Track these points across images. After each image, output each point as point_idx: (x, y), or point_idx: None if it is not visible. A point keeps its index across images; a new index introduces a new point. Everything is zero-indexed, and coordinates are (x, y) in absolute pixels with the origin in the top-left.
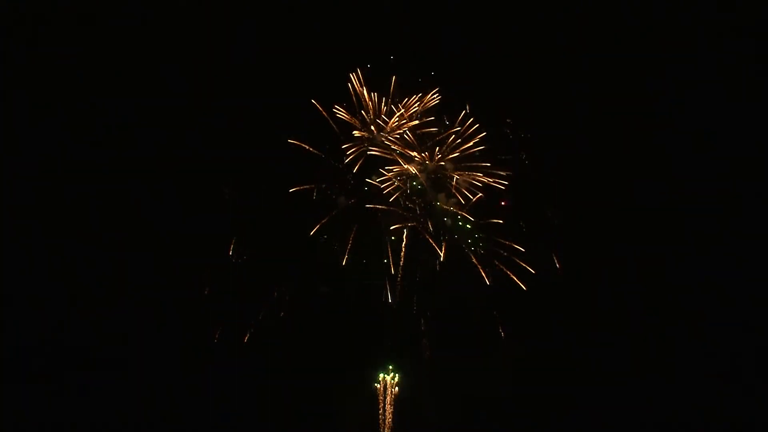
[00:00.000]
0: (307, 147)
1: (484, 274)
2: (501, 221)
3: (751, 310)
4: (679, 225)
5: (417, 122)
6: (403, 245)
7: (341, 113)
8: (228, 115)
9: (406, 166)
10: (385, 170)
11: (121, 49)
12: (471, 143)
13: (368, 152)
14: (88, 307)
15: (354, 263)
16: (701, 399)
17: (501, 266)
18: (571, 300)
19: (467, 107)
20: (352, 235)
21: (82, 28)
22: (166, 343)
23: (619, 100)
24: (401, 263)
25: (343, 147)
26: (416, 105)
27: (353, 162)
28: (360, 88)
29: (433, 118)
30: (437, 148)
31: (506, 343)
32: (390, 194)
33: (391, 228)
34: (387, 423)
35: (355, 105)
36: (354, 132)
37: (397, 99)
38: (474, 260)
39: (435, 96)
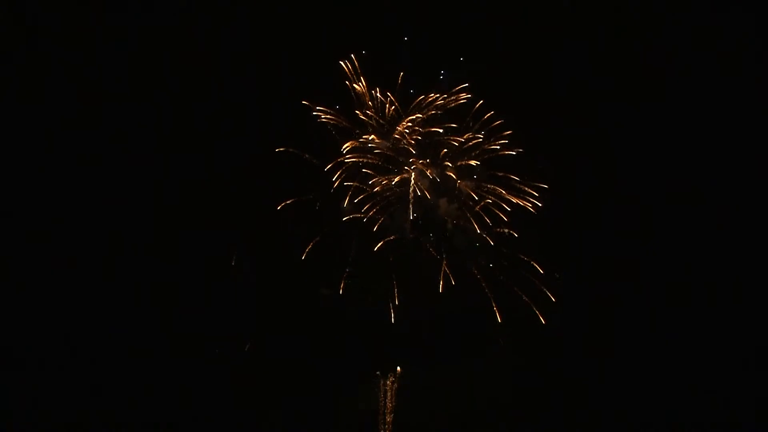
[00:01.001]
0: (307, 156)
1: (496, 310)
2: (515, 234)
3: (751, 310)
4: (679, 225)
5: (440, 129)
6: (404, 254)
7: (334, 119)
8: (228, 117)
9: (404, 175)
10: (385, 178)
11: (120, 48)
12: (498, 144)
13: (366, 160)
14: (87, 306)
15: (356, 272)
16: (701, 398)
17: (521, 294)
18: (570, 300)
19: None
20: (352, 250)
21: (81, 28)
22: (167, 344)
23: (618, 99)
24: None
25: (327, 169)
26: (431, 106)
27: (351, 173)
28: (361, 87)
29: (456, 125)
30: (442, 152)
31: (507, 345)
32: (390, 204)
33: (391, 239)
34: (387, 423)
35: (355, 105)
36: (345, 146)
37: (393, 100)
38: (479, 277)
39: (461, 93)
